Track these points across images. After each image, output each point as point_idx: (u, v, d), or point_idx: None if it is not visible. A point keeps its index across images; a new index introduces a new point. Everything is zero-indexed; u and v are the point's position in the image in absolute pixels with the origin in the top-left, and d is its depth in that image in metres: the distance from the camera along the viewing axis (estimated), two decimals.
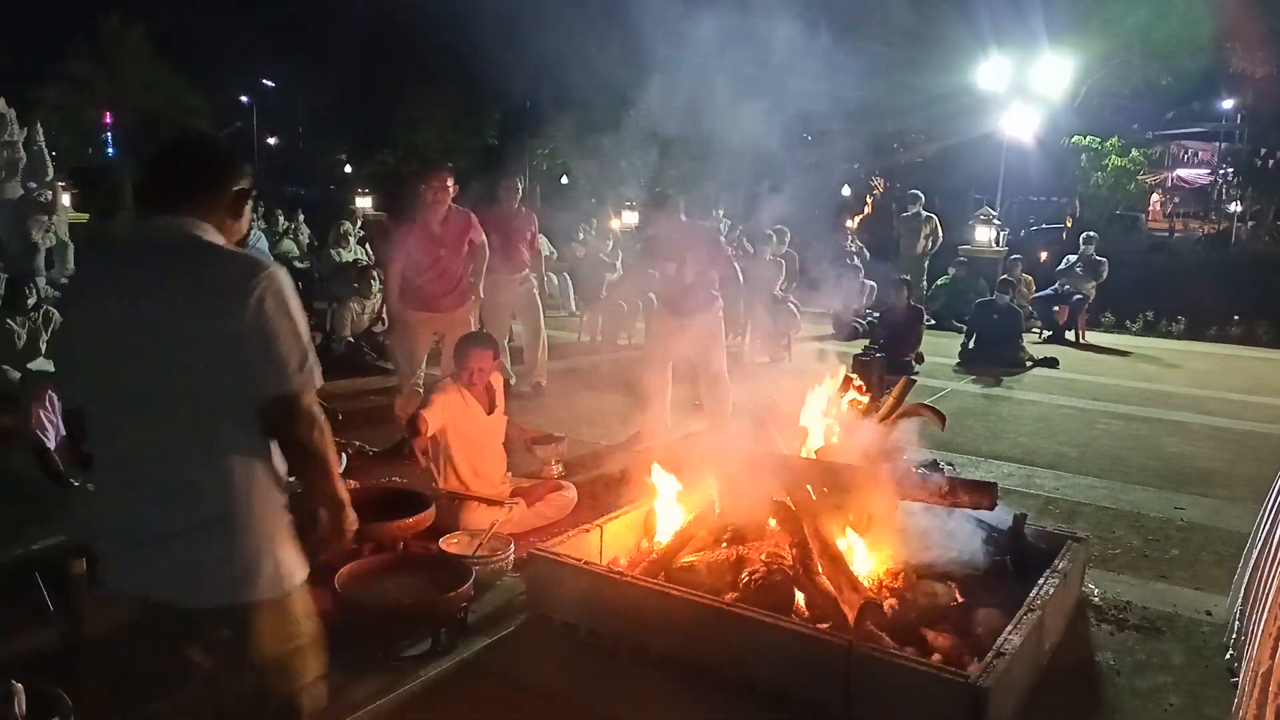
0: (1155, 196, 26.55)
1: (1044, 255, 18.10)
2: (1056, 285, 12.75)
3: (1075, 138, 14.77)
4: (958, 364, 10.30)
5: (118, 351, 1.96)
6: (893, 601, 3.58)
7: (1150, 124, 21.06)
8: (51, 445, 4.60)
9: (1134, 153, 14.65)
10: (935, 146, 17.15)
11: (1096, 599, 4.28)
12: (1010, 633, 3.26)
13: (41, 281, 9.09)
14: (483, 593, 4.03)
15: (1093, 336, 12.75)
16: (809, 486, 3.81)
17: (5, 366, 6.67)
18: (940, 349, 10.91)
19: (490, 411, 4.94)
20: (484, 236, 6.78)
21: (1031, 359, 10.43)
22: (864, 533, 3.81)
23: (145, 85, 19.17)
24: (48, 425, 4.63)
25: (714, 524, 4.05)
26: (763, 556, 3.72)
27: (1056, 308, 12.60)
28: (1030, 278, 13.48)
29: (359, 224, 12.26)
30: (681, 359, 6.50)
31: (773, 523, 3.82)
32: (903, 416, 4.42)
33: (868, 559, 3.80)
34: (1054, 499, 5.77)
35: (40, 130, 12.04)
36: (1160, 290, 14.78)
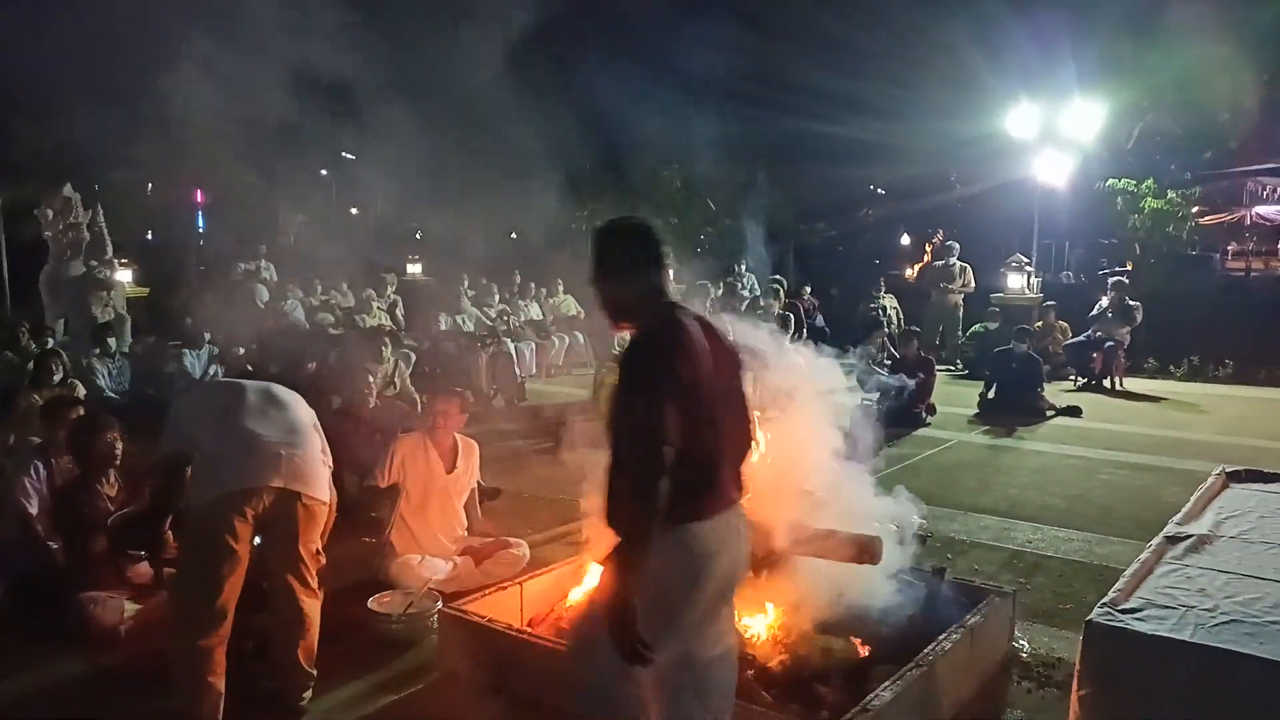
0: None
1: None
2: (1089, 331, 12.49)
3: (1110, 181, 14.57)
4: (975, 414, 10.16)
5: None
6: (784, 656, 3.62)
7: (1215, 163, 20.51)
8: (34, 511, 4.97)
9: (1170, 194, 14.34)
10: (968, 191, 17.10)
11: (1025, 655, 4.23)
12: (883, 689, 3.28)
13: (71, 356, 9.57)
14: (404, 651, 4.19)
15: (1133, 383, 12.41)
16: None
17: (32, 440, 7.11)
18: (963, 399, 10.78)
19: (450, 470, 5.12)
20: None
21: (1053, 408, 10.22)
22: (765, 585, 3.85)
23: (210, 164, 20.30)
24: (31, 492, 5.00)
25: None
26: None
27: (1094, 354, 12.33)
28: (1065, 324, 13.22)
29: (390, 288, 12.72)
30: None
31: None
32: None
33: (767, 613, 3.84)
34: (1022, 552, 5.68)
35: (101, 212, 12.87)
36: (1230, 330, 14.08)
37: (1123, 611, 2.49)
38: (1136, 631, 2.39)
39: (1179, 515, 3.38)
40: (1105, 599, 2.57)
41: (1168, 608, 2.53)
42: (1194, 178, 14.99)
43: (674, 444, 2.32)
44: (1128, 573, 2.80)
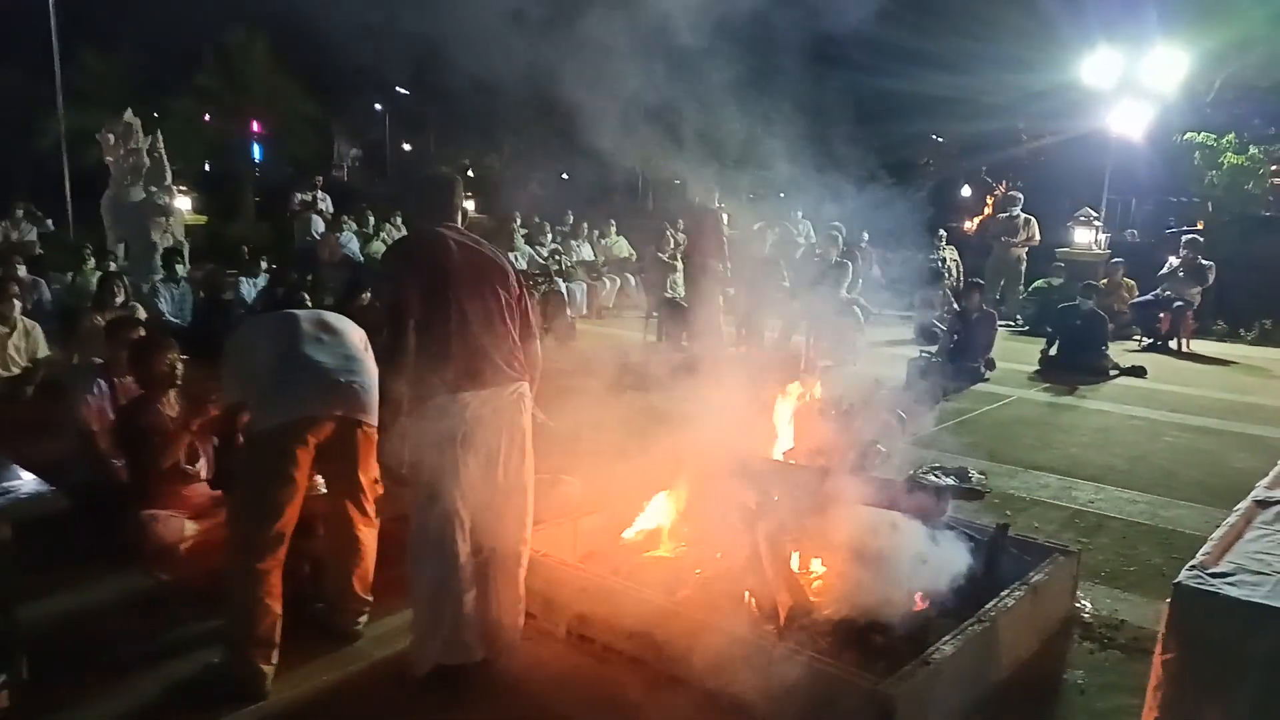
0: None
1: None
2: (1158, 290, 12.09)
3: (1189, 134, 13.95)
4: (1035, 371, 9.91)
5: None
6: (841, 605, 3.55)
7: None
8: (97, 429, 5.05)
9: (1251, 150, 13.68)
10: (1037, 143, 16.48)
11: (1087, 616, 4.12)
12: (943, 643, 3.20)
13: (132, 281, 9.70)
14: None
15: (1201, 345, 12.02)
16: (769, 489, 3.82)
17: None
18: (1024, 355, 10.54)
19: None
20: None
21: (1116, 367, 9.92)
22: (825, 536, 3.78)
23: (269, 97, 20.38)
24: (95, 409, 5.08)
25: (683, 522, 4.11)
26: (718, 555, 3.76)
27: (1162, 314, 11.95)
28: (1132, 282, 12.82)
29: None
30: None
31: (732, 524, 3.84)
32: None
33: (826, 563, 3.77)
34: (1084, 512, 5.53)
35: (161, 138, 12.95)
36: None
37: (1213, 575, 2.36)
38: (1229, 596, 2.27)
39: (1267, 479, 3.22)
40: (1194, 562, 2.45)
41: (1261, 573, 2.40)
42: (1278, 132, 14.28)
43: (412, 315, 3.04)
44: (1215, 536, 2.66)
